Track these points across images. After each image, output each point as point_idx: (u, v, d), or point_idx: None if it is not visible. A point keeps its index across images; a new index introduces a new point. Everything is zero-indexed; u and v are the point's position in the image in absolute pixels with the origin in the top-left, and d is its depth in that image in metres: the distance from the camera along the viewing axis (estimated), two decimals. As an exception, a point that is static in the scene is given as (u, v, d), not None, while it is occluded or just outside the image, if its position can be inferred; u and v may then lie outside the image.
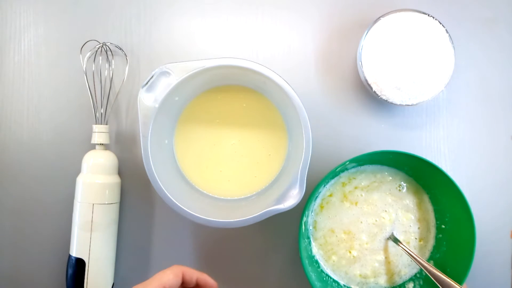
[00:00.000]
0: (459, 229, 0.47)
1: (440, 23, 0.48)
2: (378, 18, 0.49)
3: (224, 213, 0.45)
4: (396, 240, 0.49)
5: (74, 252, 0.49)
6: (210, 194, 0.50)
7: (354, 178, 0.51)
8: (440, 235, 0.50)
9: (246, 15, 0.54)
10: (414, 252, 0.50)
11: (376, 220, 0.50)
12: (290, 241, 0.53)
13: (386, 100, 0.49)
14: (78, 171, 0.51)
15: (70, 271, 0.49)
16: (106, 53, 0.53)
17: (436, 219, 0.50)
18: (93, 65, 0.53)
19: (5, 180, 0.53)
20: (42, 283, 0.53)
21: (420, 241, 0.51)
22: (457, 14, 0.53)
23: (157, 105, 0.43)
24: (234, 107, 0.50)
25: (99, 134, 0.51)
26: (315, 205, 0.50)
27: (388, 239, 0.50)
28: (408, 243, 0.50)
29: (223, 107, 0.50)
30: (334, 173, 0.48)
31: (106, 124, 0.52)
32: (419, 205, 0.51)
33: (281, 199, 0.43)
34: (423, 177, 0.50)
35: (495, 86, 0.53)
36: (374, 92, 0.49)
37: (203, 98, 0.49)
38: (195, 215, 0.43)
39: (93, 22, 0.54)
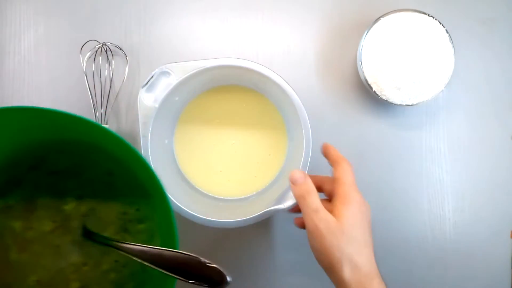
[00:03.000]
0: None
1: (440, 23, 0.48)
2: (378, 18, 0.49)
3: (224, 213, 0.45)
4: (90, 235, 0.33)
5: (74, 252, 0.49)
6: (210, 194, 0.50)
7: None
8: None
9: (246, 15, 0.54)
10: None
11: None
12: (291, 240, 0.53)
13: (386, 100, 0.49)
14: (78, 171, 0.51)
15: (70, 271, 0.49)
16: (106, 53, 0.53)
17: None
18: (93, 65, 0.53)
19: (5, 180, 0.53)
20: (42, 283, 0.53)
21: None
22: (457, 14, 0.53)
23: (157, 105, 0.43)
24: (234, 107, 0.50)
25: (99, 134, 0.51)
26: None
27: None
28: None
29: (223, 107, 0.50)
30: None
31: (106, 124, 0.52)
32: None
33: (281, 199, 0.43)
34: None
35: (495, 86, 0.53)
36: (374, 92, 0.49)
37: (203, 98, 0.49)
38: (195, 215, 0.43)
39: (93, 22, 0.54)
